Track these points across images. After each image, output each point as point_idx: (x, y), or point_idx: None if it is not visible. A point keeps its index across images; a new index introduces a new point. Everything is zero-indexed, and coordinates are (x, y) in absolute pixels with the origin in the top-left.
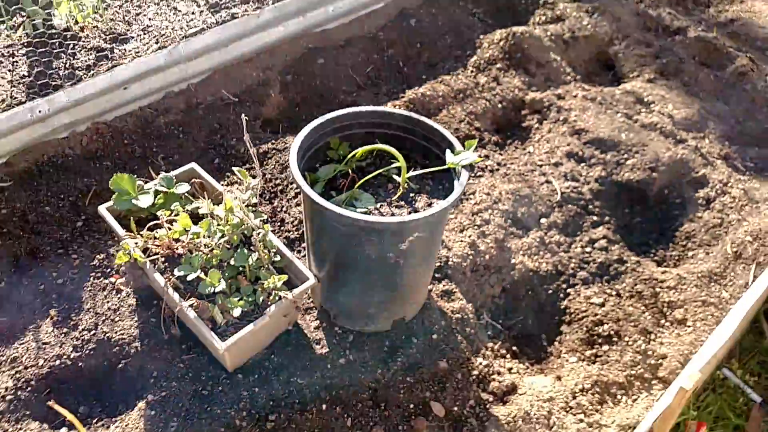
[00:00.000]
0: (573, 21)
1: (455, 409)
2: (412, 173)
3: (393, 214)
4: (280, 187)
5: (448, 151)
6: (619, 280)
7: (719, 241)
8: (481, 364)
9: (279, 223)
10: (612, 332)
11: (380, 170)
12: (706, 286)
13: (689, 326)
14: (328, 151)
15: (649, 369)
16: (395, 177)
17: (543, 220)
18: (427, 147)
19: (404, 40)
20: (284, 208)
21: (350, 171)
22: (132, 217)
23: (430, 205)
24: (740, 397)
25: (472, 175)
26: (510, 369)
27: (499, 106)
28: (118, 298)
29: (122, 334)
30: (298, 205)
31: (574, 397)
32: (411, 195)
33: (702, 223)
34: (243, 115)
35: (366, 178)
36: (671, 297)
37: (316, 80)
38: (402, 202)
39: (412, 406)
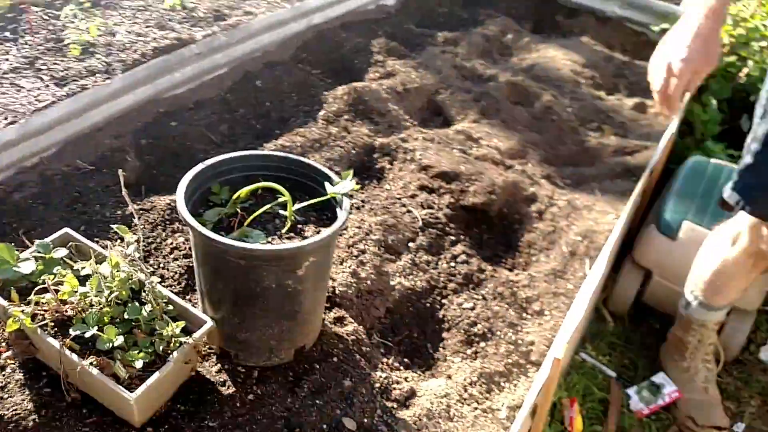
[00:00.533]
0: (403, 76)
1: (365, 420)
2: (297, 206)
3: None
4: (154, 245)
5: (327, 184)
6: (483, 286)
7: (555, 244)
8: (380, 377)
9: (159, 280)
10: (485, 330)
11: (266, 206)
12: (553, 281)
13: (547, 315)
14: (210, 196)
15: (522, 356)
16: (281, 212)
17: (411, 244)
18: (305, 183)
19: (253, 100)
20: (161, 265)
21: (238, 211)
22: (11, 288)
23: (318, 232)
24: (599, 375)
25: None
26: (406, 378)
27: (353, 151)
28: (3, 375)
29: (15, 410)
30: (175, 260)
31: (466, 390)
32: (299, 227)
33: (539, 232)
34: (120, 170)
35: (254, 215)
36: (527, 293)
37: (172, 142)
38: (291, 234)
39: (325, 426)
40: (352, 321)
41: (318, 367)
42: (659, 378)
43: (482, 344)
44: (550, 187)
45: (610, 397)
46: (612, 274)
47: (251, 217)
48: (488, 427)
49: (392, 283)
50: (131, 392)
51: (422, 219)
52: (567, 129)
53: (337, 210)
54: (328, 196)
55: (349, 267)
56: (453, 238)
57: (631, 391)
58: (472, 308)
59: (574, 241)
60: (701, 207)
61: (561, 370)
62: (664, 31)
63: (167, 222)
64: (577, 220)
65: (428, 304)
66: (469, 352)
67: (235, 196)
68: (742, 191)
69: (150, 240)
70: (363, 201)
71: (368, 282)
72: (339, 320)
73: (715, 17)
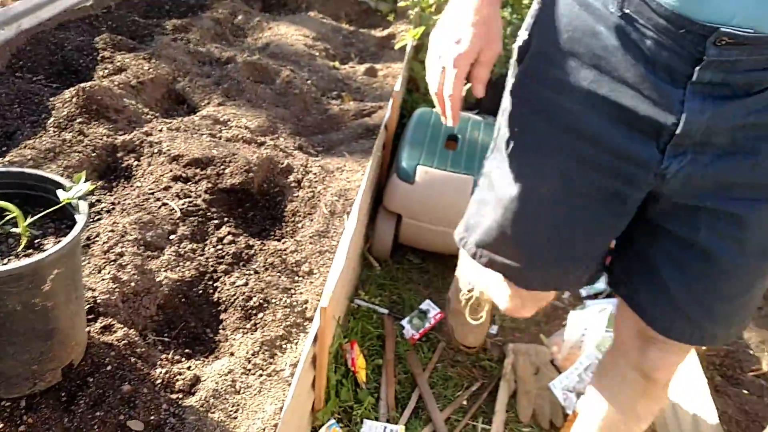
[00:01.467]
0: (135, 69)
1: (152, 418)
2: (30, 220)
3: None
4: None
5: (59, 191)
6: (253, 261)
7: (316, 208)
8: (161, 373)
9: None
10: (261, 301)
11: None
12: (318, 242)
13: (316, 273)
14: None
15: (299, 315)
16: (14, 230)
17: (172, 237)
18: (37, 196)
19: None
20: None
21: None
22: None
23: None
24: (374, 315)
25: (91, 219)
26: (189, 367)
27: (94, 154)
28: None
29: None
30: None
31: (250, 362)
32: (37, 242)
33: (300, 199)
34: None
35: None
36: (296, 258)
37: None
38: (30, 250)
39: None
40: (122, 326)
41: (91, 380)
42: (425, 305)
43: (260, 315)
44: (303, 156)
45: (385, 331)
46: (372, 224)
47: None
48: (274, 389)
49: (158, 279)
50: None
51: (180, 209)
52: (310, 100)
53: (76, 216)
54: (62, 203)
55: (109, 273)
56: (216, 221)
57: (404, 321)
58: (246, 284)
59: (332, 202)
60: (430, 151)
61: (339, 319)
62: None
63: None
64: (332, 182)
65: (201, 291)
66: (248, 325)
67: None
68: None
69: None
70: (113, 203)
71: (132, 284)
72: (106, 329)
73: None
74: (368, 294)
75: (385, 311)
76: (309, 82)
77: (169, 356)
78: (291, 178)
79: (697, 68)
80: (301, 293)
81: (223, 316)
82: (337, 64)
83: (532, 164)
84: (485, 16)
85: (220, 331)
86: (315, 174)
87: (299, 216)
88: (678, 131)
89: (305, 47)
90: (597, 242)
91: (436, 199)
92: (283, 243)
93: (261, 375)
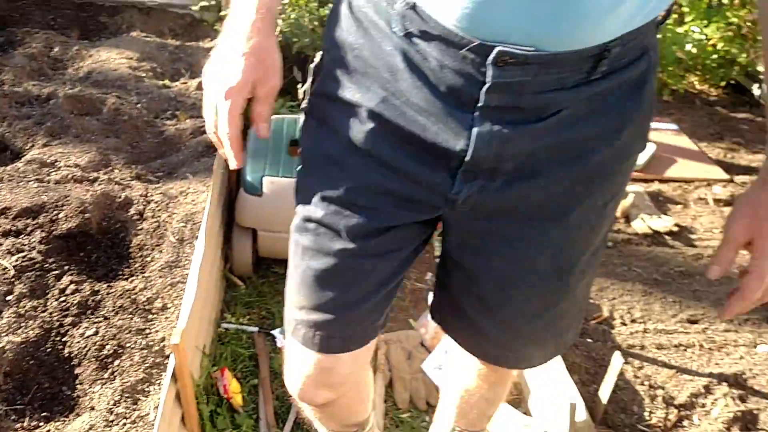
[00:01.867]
0: None
1: None
2: None
3: None
4: None
5: None
6: (101, 307)
7: (163, 238)
8: None
9: None
10: (116, 347)
11: None
12: (169, 273)
13: (170, 307)
14: None
15: (158, 354)
16: None
17: (9, 297)
18: None
19: None
20: None
21: None
22: None
23: None
24: (243, 336)
25: None
26: (48, 431)
27: None
28: None
29: None
30: None
31: (112, 413)
32: None
33: (145, 232)
34: None
35: None
36: (146, 295)
37: None
38: None
39: None
40: None
41: None
42: None
43: (117, 362)
44: (142, 185)
45: (257, 350)
46: (229, 243)
47: None
48: None
49: (1, 345)
50: None
51: (14, 266)
52: (142, 125)
53: None
54: None
55: None
56: (57, 272)
57: (276, 332)
58: (96, 333)
59: (180, 228)
60: (274, 160)
61: (204, 348)
62: (203, 8)
63: None
64: (177, 208)
65: (49, 349)
66: (106, 375)
67: None
68: None
69: None
70: None
71: None
72: None
73: (266, 20)
74: (235, 315)
75: (255, 329)
76: (139, 105)
77: (25, 424)
78: (132, 210)
79: (482, 91)
80: (157, 331)
81: (77, 370)
82: (167, 82)
83: (321, 190)
84: (257, 46)
85: (78, 386)
86: (157, 202)
87: (146, 249)
88: (467, 158)
89: (130, 70)
90: (388, 268)
91: (286, 208)
92: (131, 282)
93: (125, 424)
